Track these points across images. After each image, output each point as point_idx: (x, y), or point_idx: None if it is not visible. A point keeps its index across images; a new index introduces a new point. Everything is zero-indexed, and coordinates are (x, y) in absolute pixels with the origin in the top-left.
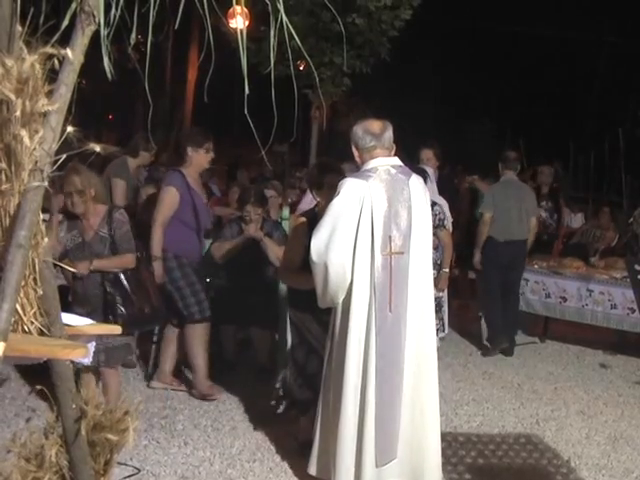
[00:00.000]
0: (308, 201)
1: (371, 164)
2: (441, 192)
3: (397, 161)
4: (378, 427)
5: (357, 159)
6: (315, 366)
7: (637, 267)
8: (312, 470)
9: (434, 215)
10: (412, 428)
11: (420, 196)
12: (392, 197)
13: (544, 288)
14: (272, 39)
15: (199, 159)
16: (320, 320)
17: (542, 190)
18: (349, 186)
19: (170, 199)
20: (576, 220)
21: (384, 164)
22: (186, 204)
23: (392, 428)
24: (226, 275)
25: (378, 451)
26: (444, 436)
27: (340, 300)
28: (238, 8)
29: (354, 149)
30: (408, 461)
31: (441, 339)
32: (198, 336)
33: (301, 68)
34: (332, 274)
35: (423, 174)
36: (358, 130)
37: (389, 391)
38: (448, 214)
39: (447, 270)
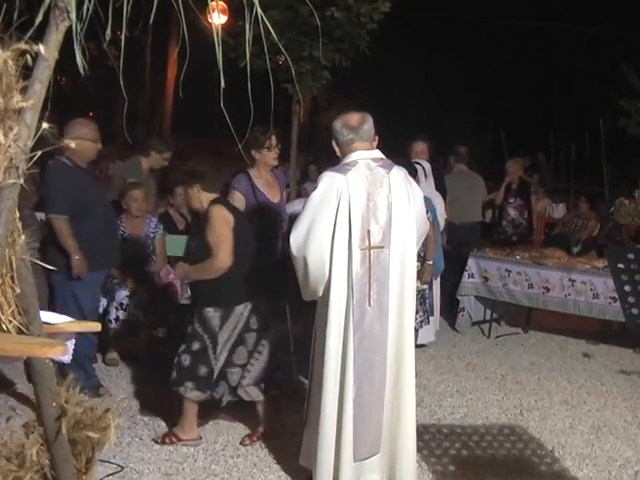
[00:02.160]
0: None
1: (351, 157)
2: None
3: (378, 154)
4: (357, 422)
5: (338, 154)
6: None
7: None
8: (301, 459)
9: None
10: (390, 422)
11: (401, 189)
12: (371, 191)
13: (527, 279)
14: (247, 33)
15: (264, 158)
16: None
17: (512, 186)
18: (327, 180)
19: (235, 204)
20: (558, 210)
21: (364, 157)
22: (251, 207)
23: (372, 423)
24: None
25: (356, 445)
26: (428, 428)
27: (320, 293)
28: (214, 3)
29: (334, 144)
30: (388, 456)
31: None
32: None
33: (280, 62)
34: (311, 268)
35: (414, 169)
36: (337, 124)
37: (368, 386)
38: (440, 208)
39: (431, 262)
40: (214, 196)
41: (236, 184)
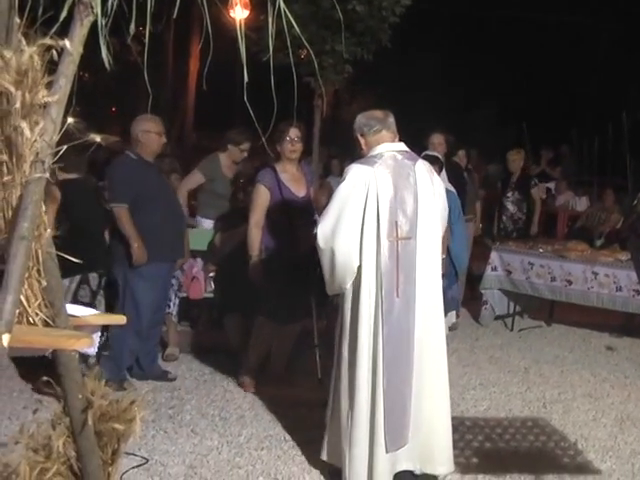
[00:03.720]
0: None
1: (377, 150)
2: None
3: (403, 147)
4: (387, 413)
5: (363, 147)
6: None
7: None
8: (323, 455)
9: None
10: (422, 413)
11: (426, 181)
12: (398, 183)
13: (549, 272)
14: (270, 27)
15: (285, 150)
16: None
17: (511, 179)
18: (355, 172)
19: (260, 198)
20: (581, 203)
21: (390, 150)
22: (278, 202)
23: (402, 414)
24: (231, 264)
25: (388, 437)
26: (451, 420)
27: (348, 285)
28: None
29: (360, 137)
30: (420, 445)
31: (451, 329)
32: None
33: (302, 56)
34: (339, 260)
35: (438, 162)
36: (362, 118)
37: (398, 377)
38: (454, 201)
39: (443, 256)
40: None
41: (261, 177)
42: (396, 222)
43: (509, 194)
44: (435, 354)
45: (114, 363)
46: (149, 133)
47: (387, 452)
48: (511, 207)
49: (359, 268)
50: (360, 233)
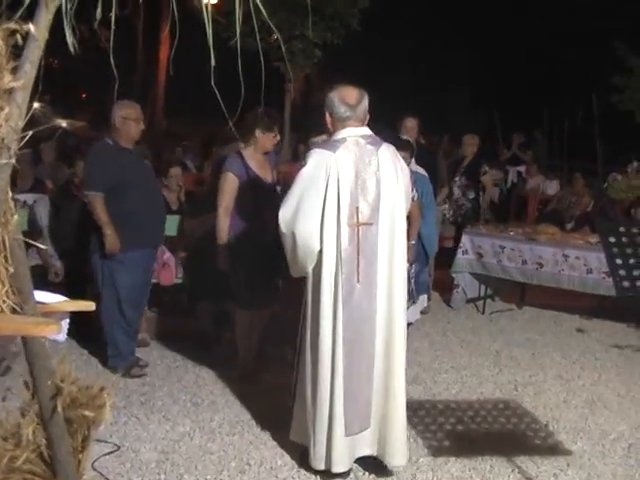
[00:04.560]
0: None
1: (341, 134)
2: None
3: (367, 131)
4: (347, 397)
5: (329, 125)
6: None
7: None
8: (291, 435)
9: None
10: (380, 398)
11: (389, 167)
12: (359, 168)
13: (520, 255)
14: (238, 11)
15: (265, 142)
16: None
17: (462, 163)
18: (316, 157)
19: (229, 186)
20: (552, 187)
21: (353, 134)
22: (246, 189)
23: (362, 398)
24: (200, 250)
25: (347, 420)
26: (423, 404)
27: (310, 269)
28: None
29: (327, 115)
30: (377, 430)
31: (423, 312)
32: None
33: (272, 41)
34: (300, 244)
35: (410, 147)
36: (334, 97)
37: (357, 361)
38: (426, 186)
39: (413, 242)
40: None
41: (229, 165)
42: (357, 207)
43: (457, 178)
44: (395, 339)
45: (114, 346)
46: (127, 120)
47: (346, 435)
48: (456, 192)
49: (320, 252)
50: (321, 218)
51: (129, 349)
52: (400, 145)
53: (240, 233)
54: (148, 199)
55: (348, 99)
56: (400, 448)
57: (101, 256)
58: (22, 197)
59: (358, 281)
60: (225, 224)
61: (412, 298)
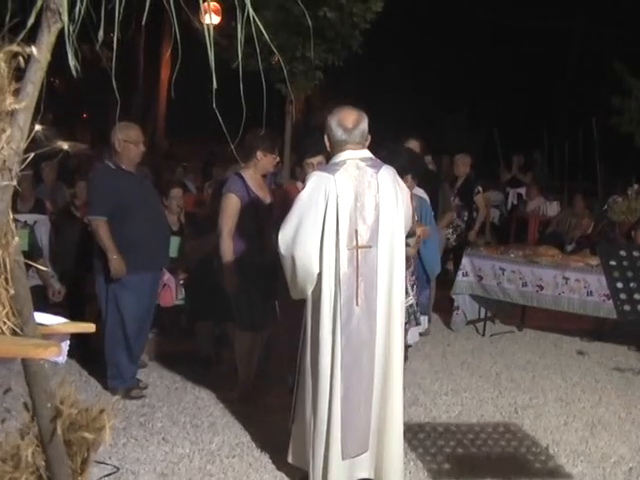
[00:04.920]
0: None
1: (340, 157)
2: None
3: (367, 153)
4: (344, 420)
5: (328, 149)
6: None
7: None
8: (289, 458)
9: None
10: (378, 421)
11: (389, 189)
12: (359, 191)
13: (521, 277)
14: (240, 34)
15: (266, 163)
16: None
17: (455, 184)
18: (315, 180)
19: (231, 207)
20: (552, 209)
21: (353, 157)
22: (247, 209)
23: (360, 421)
24: (201, 272)
25: (344, 443)
26: (423, 426)
27: (309, 292)
28: (207, 4)
29: (326, 138)
30: (374, 453)
31: (423, 334)
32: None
33: (273, 63)
34: (299, 267)
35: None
36: (332, 121)
37: (356, 384)
38: (426, 208)
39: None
40: None
41: (230, 186)
42: (356, 230)
43: (451, 199)
44: (393, 363)
45: (115, 374)
46: (127, 142)
47: (343, 459)
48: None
49: (319, 275)
50: (320, 241)
51: (130, 372)
52: (403, 169)
53: (241, 254)
54: (152, 222)
55: (345, 122)
56: (397, 470)
57: (105, 279)
58: (22, 217)
59: (357, 304)
60: (230, 246)
61: (415, 320)
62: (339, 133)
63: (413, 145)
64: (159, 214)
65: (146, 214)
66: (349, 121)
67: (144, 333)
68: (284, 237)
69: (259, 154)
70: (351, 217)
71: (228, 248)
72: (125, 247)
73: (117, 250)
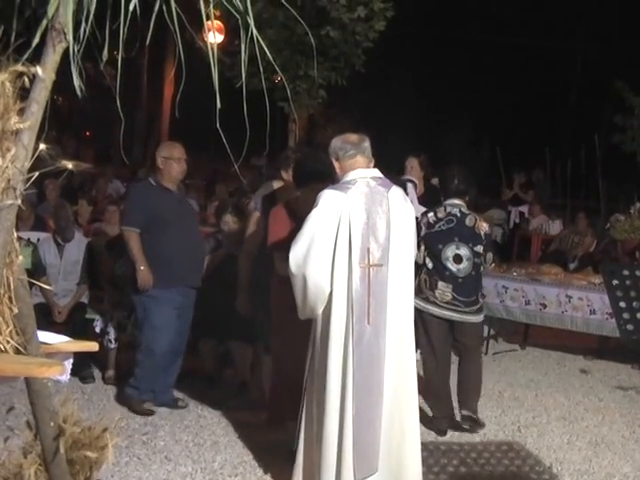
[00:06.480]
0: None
1: (351, 175)
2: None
3: (377, 173)
4: (356, 440)
5: (338, 171)
6: None
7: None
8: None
9: None
10: (392, 441)
11: (399, 208)
12: (370, 209)
13: (523, 295)
14: (243, 53)
15: (290, 179)
16: None
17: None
18: (327, 198)
19: (257, 227)
20: (554, 227)
21: (364, 176)
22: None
23: (371, 441)
24: (206, 288)
25: (356, 464)
26: (426, 445)
27: (319, 311)
28: (211, 23)
29: (334, 161)
30: (388, 474)
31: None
32: None
33: (277, 81)
34: (311, 286)
35: (404, 186)
36: (337, 142)
37: (367, 404)
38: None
39: None
40: None
41: (259, 205)
42: (368, 249)
43: None
44: (406, 381)
45: (135, 385)
46: (169, 160)
47: (355, 479)
48: None
49: (330, 294)
50: (332, 259)
51: (148, 386)
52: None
53: (261, 276)
54: (185, 239)
55: (351, 139)
56: None
57: (134, 291)
58: (25, 235)
59: (368, 322)
60: (249, 268)
61: None
62: (347, 147)
63: (411, 163)
64: (194, 233)
65: (180, 231)
66: (353, 138)
67: (176, 354)
68: (295, 256)
69: (283, 173)
70: (363, 235)
71: (247, 270)
72: (155, 261)
73: (145, 262)
